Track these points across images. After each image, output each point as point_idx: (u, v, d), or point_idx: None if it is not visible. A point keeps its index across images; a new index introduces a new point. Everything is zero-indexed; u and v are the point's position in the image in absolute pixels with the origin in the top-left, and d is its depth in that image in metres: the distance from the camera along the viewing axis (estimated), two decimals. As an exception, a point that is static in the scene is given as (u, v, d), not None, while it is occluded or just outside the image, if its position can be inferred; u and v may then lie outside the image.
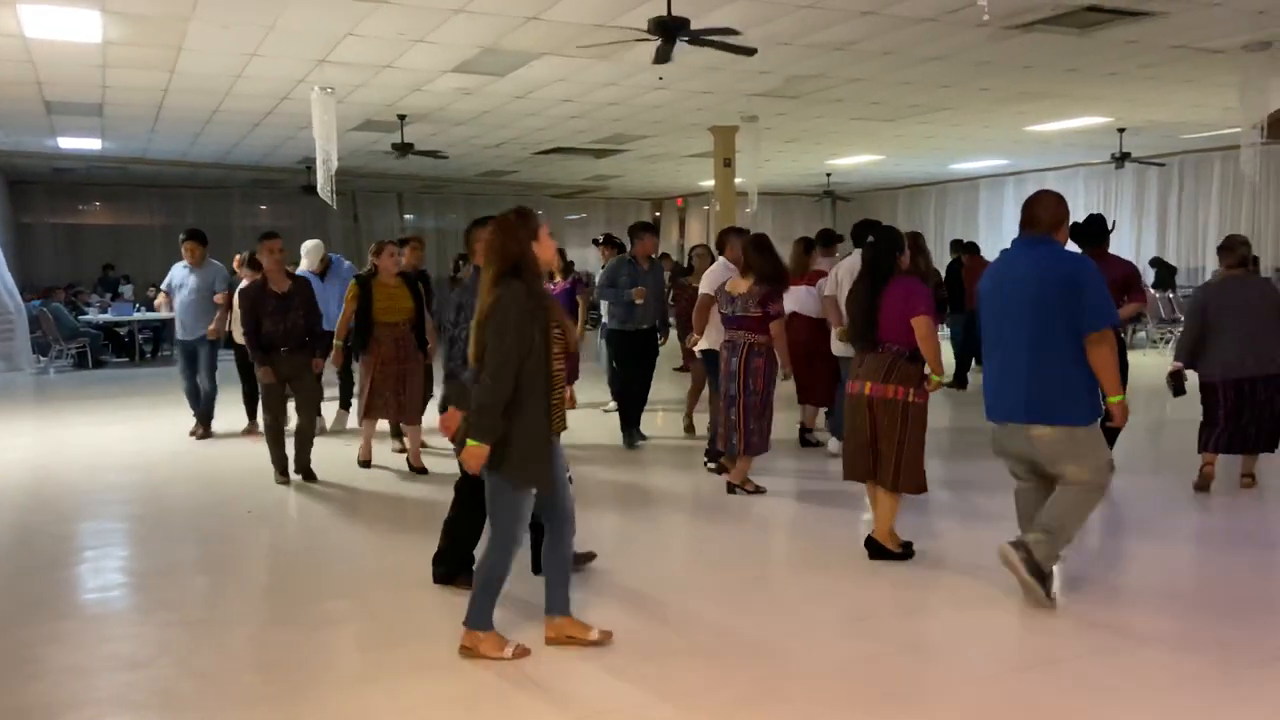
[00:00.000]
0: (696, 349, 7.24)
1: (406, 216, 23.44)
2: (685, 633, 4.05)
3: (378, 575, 4.90)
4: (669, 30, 7.18)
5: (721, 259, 7.02)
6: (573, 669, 3.68)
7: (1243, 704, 3.36)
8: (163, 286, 8.89)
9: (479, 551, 3.99)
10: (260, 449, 6.98)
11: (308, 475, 6.83)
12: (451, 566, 4.57)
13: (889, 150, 16.76)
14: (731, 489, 6.35)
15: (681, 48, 7.51)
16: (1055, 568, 4.23)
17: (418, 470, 7.01)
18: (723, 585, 4.66)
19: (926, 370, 4.88)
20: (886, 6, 7.90)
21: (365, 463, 7.24)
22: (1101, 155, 16.67)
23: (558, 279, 9.07)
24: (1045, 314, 4.08)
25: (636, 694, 3.46)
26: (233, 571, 5.01)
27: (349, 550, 5.35)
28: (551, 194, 23.31)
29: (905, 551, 4.94)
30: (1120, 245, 16.19)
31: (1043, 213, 4.25)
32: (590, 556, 4.82)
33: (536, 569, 4.42)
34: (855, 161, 18.10)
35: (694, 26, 7.28)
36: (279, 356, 6.60)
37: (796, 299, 7.25)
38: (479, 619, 3.75)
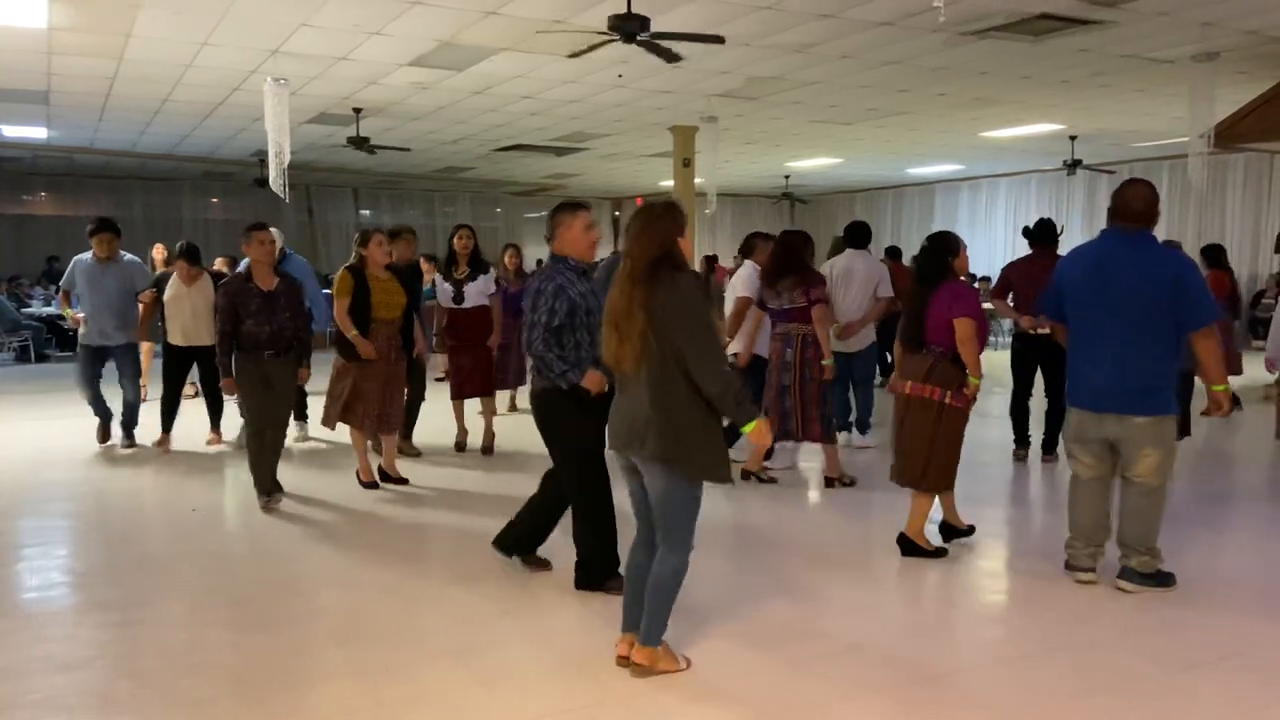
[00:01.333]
0: (729, 351, 6.96)
1: (362, 212, 23.16)
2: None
3: (327, 578, 4.82)
4: (629, 29, 7.15)
5: (748, 262, 7.08)
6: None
7: None
8: (62, 285, 7.87)
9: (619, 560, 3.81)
10: (191, 455, 6.81)
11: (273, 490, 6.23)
12: (596, 572, 4.39)
13: (847, 153, 16.88)
14: (746, 475, 6.63)
15: (639, 48, 7.49)
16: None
17: (397, 480, 6.62)
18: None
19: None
20: (845, 10, 7.94)
21: (372, 484, 6.54)
22: (1054, 162, 16.94)
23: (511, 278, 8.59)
24: (1151, 310, 4.22)
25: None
26: (174, 572, 4.89)
27: (295, 552, 5.26)
28: (510, 191, 23.17)
29: (937, 550, 5.01)
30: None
31: (1139, 204, 4.34)
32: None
33: (582, 583, 4.42)
34: (814, 164, 18.20)
35: (654, 27, 7.27)
36: (261, 360, 5.93)
37: None
38: (658, 634, 3.51)
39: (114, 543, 5.41)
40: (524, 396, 8.60)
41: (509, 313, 7.89)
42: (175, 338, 7.71)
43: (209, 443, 7.90)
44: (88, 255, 7.70)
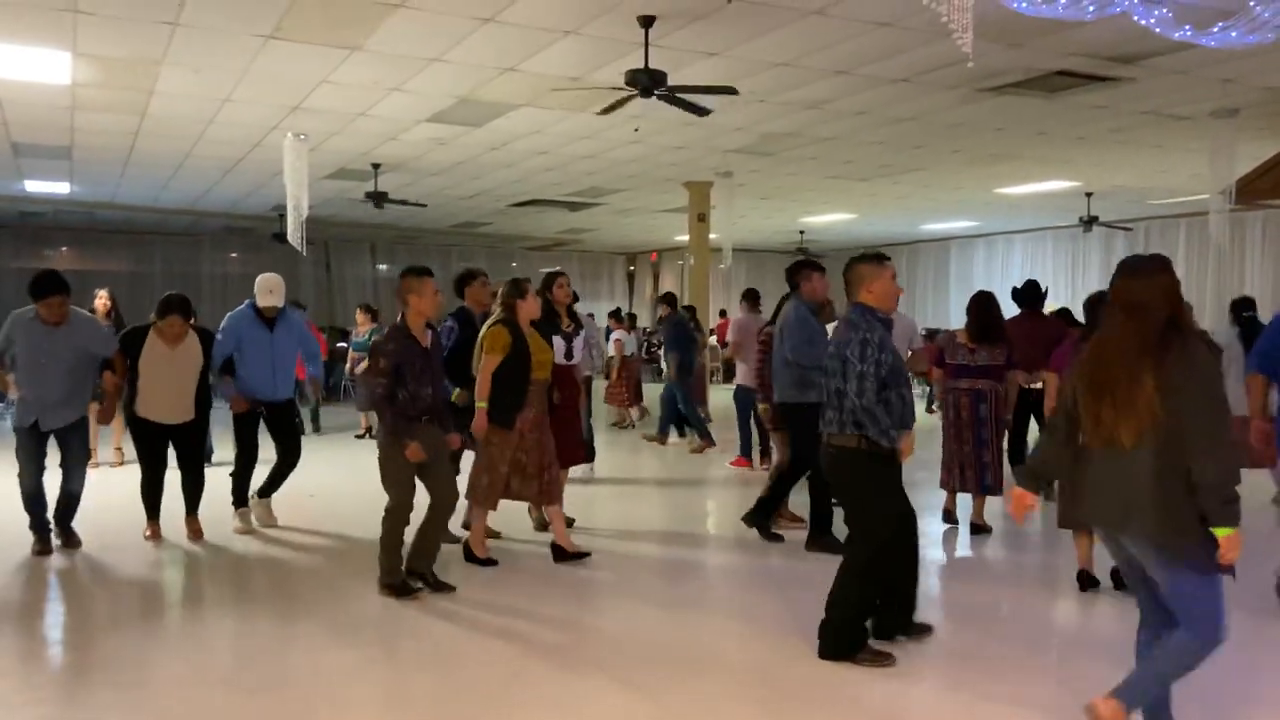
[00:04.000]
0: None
1: (380, 267, 23.32)
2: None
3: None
4: (646, 84, 7.18)
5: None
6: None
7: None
8: None
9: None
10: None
11: (438, 585, 5.22)
12: (845, 643, 4.19)
13: (862, 209, 16.90)
14: (976, 529, 6.75)
15: (658, 102, 7.52)
16: None
17: (575, 555, 5.87)
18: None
19: None
20: (860, 66, 7.96)
21: (489, 560, 5.79)
22: (1069, 218, 16.91)
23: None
24: None
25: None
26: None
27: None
28: (526, 246, 23.31)
29: None
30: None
31: None
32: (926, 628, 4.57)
33: (880, 633, 4.36)
34: (828, 219, 18.23)
35: (671, 82, 7.30)
36: (416, 429, 5.11)
37: None
38: (1133, 699, 3.11)
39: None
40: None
41: None
42: (151, 411, 6.25)
43: (192, 536, 6.48)
44: (26, 313, 6.00)
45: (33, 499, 6.13)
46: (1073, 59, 7.69)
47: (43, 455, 6.12)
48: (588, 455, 8.15)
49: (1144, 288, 3.11)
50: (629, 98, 7.34)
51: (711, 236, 14.38)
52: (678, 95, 7.32)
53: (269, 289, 6.68)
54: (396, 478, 5.11)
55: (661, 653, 4.38)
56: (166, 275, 20.15)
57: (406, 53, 7.62)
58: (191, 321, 6.44)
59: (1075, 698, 3.49)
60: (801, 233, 20.20)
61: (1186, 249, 17.42)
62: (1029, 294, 7.93)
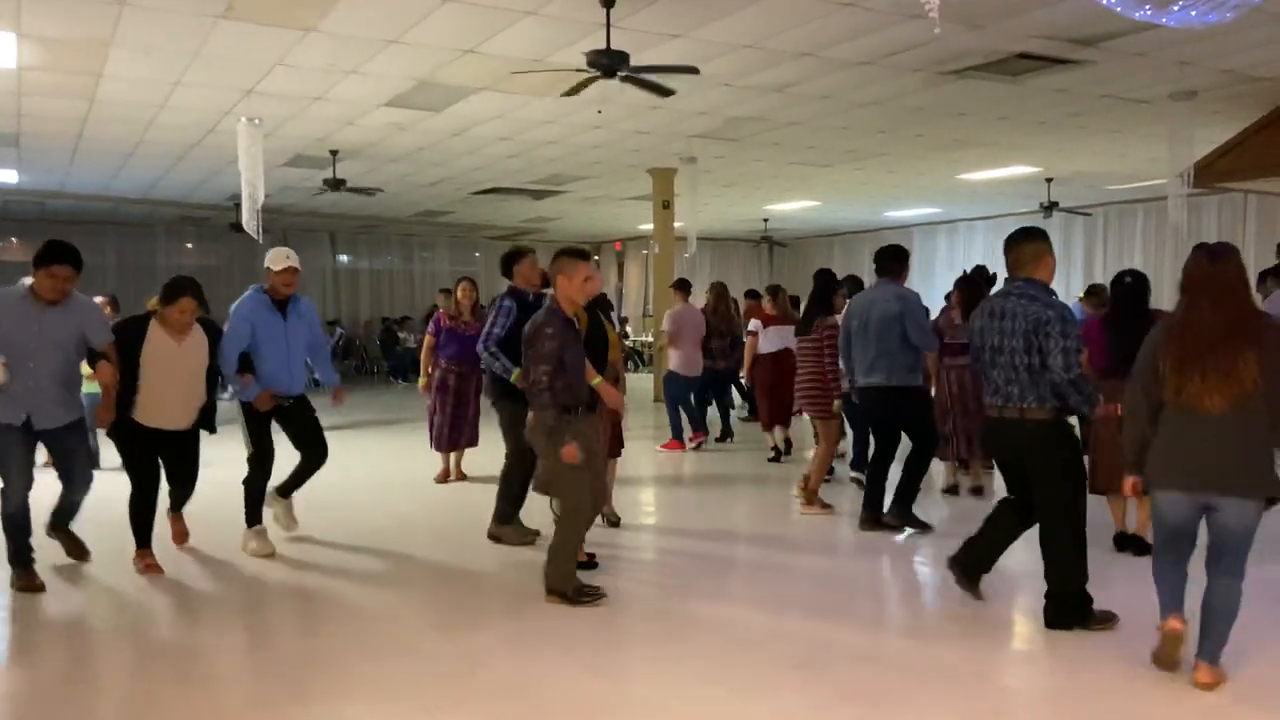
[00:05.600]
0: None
1: (340, 257, 23.01)
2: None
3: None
4: (608, 66, 7.09)
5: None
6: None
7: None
8: None
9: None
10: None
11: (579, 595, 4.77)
12: (1076, 610, 4.34)
13: (826, 196, 16.93)
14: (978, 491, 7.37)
15: (621, 85, 7.43)
16: None
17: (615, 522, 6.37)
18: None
19: None
20: (823, 49, 7.93)
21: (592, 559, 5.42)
22: (1030, 204, 17.04)
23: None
24: None
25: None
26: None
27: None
28: (489, 236, 23.10)
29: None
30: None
31: None
32: None
33: (1059, 622, 4.33)
34: (792, 207, 18.25)
35: (634, 63, 7.20)
36: (577, 424, 4.72)
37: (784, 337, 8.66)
38: (1219, 652, 3.66)
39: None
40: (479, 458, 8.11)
41: (464, 359, 7.62)
42: (151, 417, 5.31)
43: (177, 539, 5.84)
44: (15, 291, 5.08)
45: (16, 519, 4.97)
46: (1033, 41, 7.71)
47: (31, 464, 5.04)
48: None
49: (1229, 272, 3.64)
50: (592, 79, 7.24)
51: (676, 225, 14.32)
52: (640, 76, 7.23)
53: (284, 255, 5.77)
54: (568, 477, 4.67)
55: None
56: (120, 267, 19.78)
57: (363, 34, 7.47)
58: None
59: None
60: (765, 221, 20.20)
61: (1144, 234, 17.62)
62: (979, 279, 7.50)
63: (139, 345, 5.22)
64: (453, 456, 8.20)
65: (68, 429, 5.08)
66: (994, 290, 7.52)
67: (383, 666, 3.96)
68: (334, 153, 12.15)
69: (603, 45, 6.97)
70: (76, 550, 5.51)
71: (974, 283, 7.25)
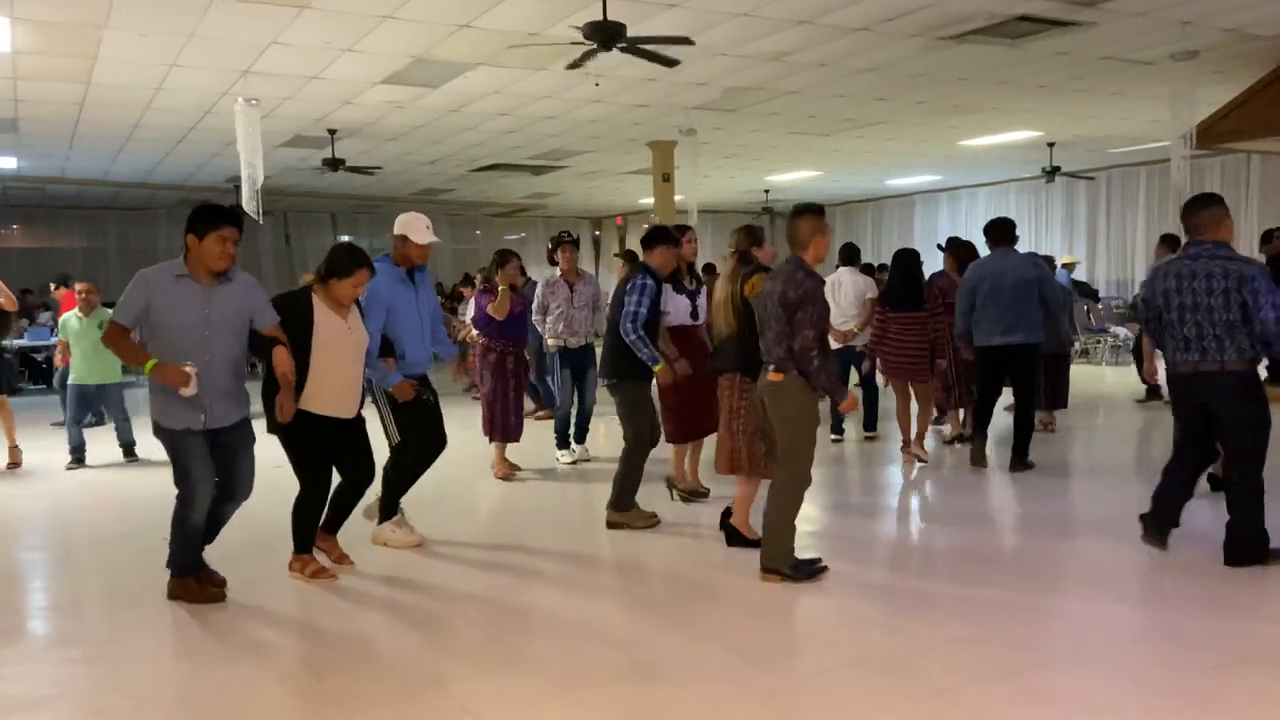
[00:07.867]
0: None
1: (341, 237, 22.99)
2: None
3: (305, 606, 4.60)
4: (604, 38, 7.05)
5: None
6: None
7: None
8: (117, 318, 4.29)
9: None
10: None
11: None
12: (1258, 546, 4.60)
13: (826, 166, 16.85)
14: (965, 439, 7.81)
15: (619, 58, 7.39)
16: None
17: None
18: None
19: None
20: (822, 15, 7.87)
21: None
22: (1032, 170, 16.96)
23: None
24: None
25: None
26: (143, 604, 4.66)
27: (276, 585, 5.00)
28: (489, 213, 23.06)
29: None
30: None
31: None
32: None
33: (1243, 558, 4.59)
34: (793, 178, 18.17)
35: (630, 34, 7.16)
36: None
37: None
38: None
39: (80, 574, 5.19)
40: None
41: (518, 338, 7.27)
42: (323, 404, 4.66)
43: (340, 560, 5.06)
44: (165, 272, 4.40)
45: (200, 530, 4.48)
46: (1034, 3, 7.64)
47: (213, 468, 4.40)
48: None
49: None
50: (591, 52, 7.20)
51: (677, 198, 14.27)
52: (638, 47, 7.19)
53: (424, 225, 5.23)
54: (808, 450, 4.55)
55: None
56: (122, 251, 19.82)
57: (357, 9, 7.43)
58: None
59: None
60: (767, 192, 20.12)
61: (1147, 197, 17.55)
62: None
63: (307, 326, 4.61)
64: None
65: (237, 426, 4.46)
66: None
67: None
68: (332, 132, 12.11)
69: (599, 17, 6.93)
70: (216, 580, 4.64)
71: (966, 244, 8.09)
